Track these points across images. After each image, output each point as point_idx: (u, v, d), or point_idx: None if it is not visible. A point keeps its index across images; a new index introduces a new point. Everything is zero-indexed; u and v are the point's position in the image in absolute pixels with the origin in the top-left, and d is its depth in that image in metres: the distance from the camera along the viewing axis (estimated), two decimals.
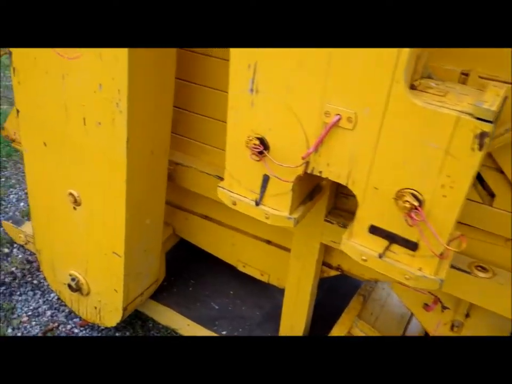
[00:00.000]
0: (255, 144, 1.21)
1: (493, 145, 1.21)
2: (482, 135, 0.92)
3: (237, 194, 1.36)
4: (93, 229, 1.83)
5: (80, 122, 1.59)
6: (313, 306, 2.07)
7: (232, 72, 1.20)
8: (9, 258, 2.67)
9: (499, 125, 1.09)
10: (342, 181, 1.15)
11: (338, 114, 1.07)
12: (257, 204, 1.31)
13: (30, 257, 2.70)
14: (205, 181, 1.92)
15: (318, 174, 1.18)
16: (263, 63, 1.14)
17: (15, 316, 2.28)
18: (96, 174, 1.67)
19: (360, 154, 1.09)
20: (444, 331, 1.66)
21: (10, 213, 3.06)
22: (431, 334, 1.71)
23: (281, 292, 2.12)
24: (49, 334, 2.19)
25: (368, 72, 0.99)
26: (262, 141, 1.22)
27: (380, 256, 1.12)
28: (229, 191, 1.37)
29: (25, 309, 2.34)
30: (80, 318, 2.21)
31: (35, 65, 1.58)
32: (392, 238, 1.11)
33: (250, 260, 2.20)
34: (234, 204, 1.36)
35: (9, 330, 2.19)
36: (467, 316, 1.61)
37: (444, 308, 1.63)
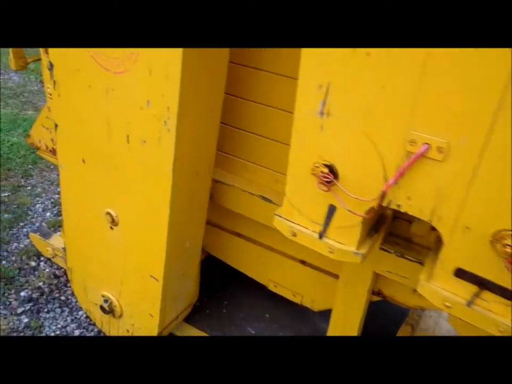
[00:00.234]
0: (323, 172, 1.10)
1: None
2: None
3: (296, 224, 1.24)
4: (130, 250, 1.73)
5: (123, 139, 1.49)
6: (361, 334, 1.94)
7: (300, 92, 1.09)
8: (36, 272, 2.59)
9: None
10: (425, 217, 1.03)
11: (427, 143, 0.95)
12: (320, 236, 1.20)
13: (57, 272, 2.62)
14: (248, 200, 1.81)
15: (395, 208, 1.06)
16: (337, 84, 1.03)
17: (43, 335, 2.20)
18: (137, 194, 1.57)
19: (450, 189, 0.96)
20: None
21: (37, 224, 2.99)
22: None
23: (318, 315, 2.00)
24: None
25: (469, 95, 0.87)
26: (331, 169, 1.10)
27: (468, 303, 1.00)
28: (288, 220, 1.26)
29: (53, 327, 2.25)
30: None
31: (77, 79, 1.49)
32: (483, 284, 0.98)
33: (282, 279, 2.09)
34: (294, 235, 1.24)
35: None
36: None
37: None
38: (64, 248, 2.52)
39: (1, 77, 5.26)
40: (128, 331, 1.95)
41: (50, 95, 2.18)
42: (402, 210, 1.05)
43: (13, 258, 2.66)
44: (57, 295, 2.45)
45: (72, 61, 1.47)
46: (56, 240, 2.60)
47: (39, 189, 3.36)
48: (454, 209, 0.97)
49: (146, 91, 1.35)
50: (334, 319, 1.88)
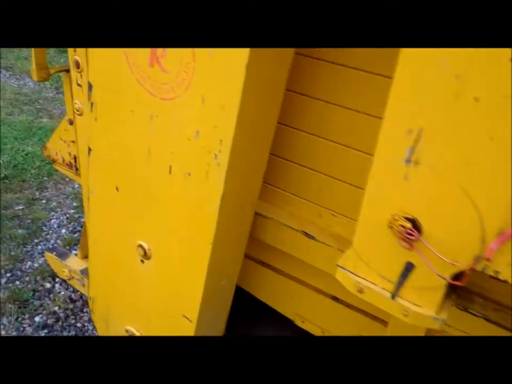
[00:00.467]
0: (404, 227, 0.96)
1: None
2: None
3: (363, 279, 1.11)
4: (161, 286, 1.59)
5: (165, 170, 1.36)
6: None
7: (385, 135, 0.96)
8: (51, 295, 2.46)
9: None
10: None
11: None
12: (393, 296, 1.06)
13: (73, 295, 2.49)
14: (288, 235, 1.67)
15: (492, 274, 0.92)
16: (432, 130, 0.89)
17: None
18: (175, 227, 1.44)
19: None
20: None
21: (52, 241, 2.87)
22: None
23: None
24: None
25: None
26: (414, 224, 0.96)
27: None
28: (354, 274, 1.12)
29: None
30: None
31: (119, 102, 1.37)
32: None
33: (311, 315, 1.94)
34: (361, 291, 1.10)
35: None
36: None
37: None
38: (82, 271, 2.39)
39: (16, 83, 5.18)
40: None
41: (77, 111, 2.07)
42: (501, 277, 0.91)
43: (27, 278, 2.53)
44: (73, 321, 2.32)
45: (115, 83, 1.35)
46: (73, 262, 2.47)
47: (54, 203, 3.24)
48: None
49: (196, 121, 1.23)
50: None
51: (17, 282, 2.49)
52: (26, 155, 3.68)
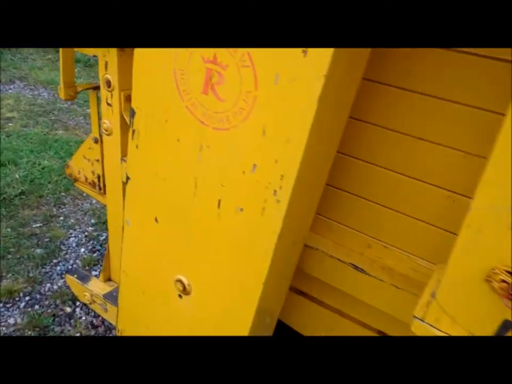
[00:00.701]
0: (507, 283, 0.85)
1: None
2: None
3: (446, 334, 0.99)
4: (201, 324, 1.48)
5: (213, 203, 1.26)
6: None
7: (488, 179, 0.85)
8: (72, 321, 2.35)
9: None
10: None
11: None
12: None
13: (95, 321, 2.38)
14: (334, 267, 1.56)
15: None
16: None
17: None
18: (222, 264, 1.33)
19: None
20: None
21: (71, 261, 2.76)
22: None
23: None
24: None
25: None
26: None
27: None
28: (435, 327, 1.00)
29: None
30: None
31: (164, 130, 1.26)
32: None
33: None
34: None
35: None
36: None
37: None
38: (104, 296, 2.28)
39: (30, 93, 5.11)
40: None
41: (106, 130, 1.97)
42: None
43: (47, 302, 2.42)
44: None
45: (161, 110, 1.24)
46: (95, 285, 2.36)
47: (72, 220, 3.14)
48: None
49: (254, 154, 1.12)
50: None
51: (37, 307, 2.38)
52: (42, 169, 3.59)
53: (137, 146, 1.36)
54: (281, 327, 1.86)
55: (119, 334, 1.86)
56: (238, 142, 1.14)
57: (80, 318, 2.37)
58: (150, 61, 1.21)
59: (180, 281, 1.46)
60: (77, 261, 2.77)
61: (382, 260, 1.56)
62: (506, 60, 1.11)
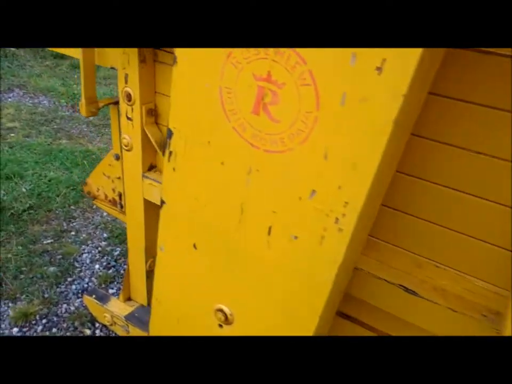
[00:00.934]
0: None
1: None
2: None
3: None
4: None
5: (262, 230, 1.16)
6: None
7: None
8: None
9: None
10: None
11: None
12: None
13: None
14: (384, 290, 1.46)
15: None
16: None
17: None
18: (270, 294, 1.23)
19: None
20: None
21: (86, 279, 2.66)
22: None
23: None
24: None
25: None
26: None
27: None
28: None
29: None
30: None
31: (207, 152, 1.16)
32: None
33: None
34: None
35: None
36: None
37: None
38: (126, 317, 2.18)
39: (31, 102, 4.99)
40: None
41: (126, 146, 1.88)
42: None
43: (65, 325, 2.32)
44: None
45: (203, 131, 1.14)
46: (115, 306, 2.26)
47: (84, 234, 3.03)
48: None
49: (313, 179, 1.02)
50: None
51: (54, 330, 2.27)
52: (49, 181, 3.48)
53: (174, 169, 1.25)
54: None
55: None
56: (294, 166, 1.04)
57: None
58: (191, 78, 1.11)
59: (221, 310, 1.36)
60: (92, 278, 2.66)
61: (433, 280, 1.46)
62: None
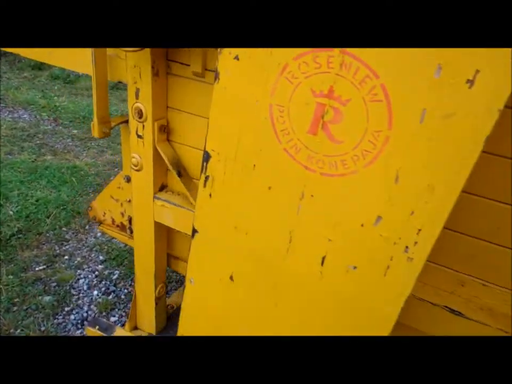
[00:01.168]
0: None
1: None
2: None
3: None
4: None
5: (314, 260, 1.05)
6: None
7: None
8: None
9: None
10: None
11: None
12: None
13: None
14: (427, 312, 1.38)
15: None
16: None
17: None
18: (322, 328, 1.12)
19: None
20: None
21: (85, 307, 2.48)
22: None
23: None
24: None
25: None
26: None
27: None
28: None
29: None
30: None
31: (251, 177, 1.05)
32: None
33: None
34: None
35: None
36: None
37: None
38: None
39: (10, 116, 4.75)
40: None
41: (135, 166, 1.74)
42: None
43: None
44: None
45: (248, 154, 1.03)
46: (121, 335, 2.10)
47: (78, 258, 2.85)
48: None
49: (380, 204, 0.92)
50: None
51: None
52: (37, 201, 3.27)
53: (210, 195, 1.13)
54: None
55: None
56: (356, 190, 0.94)
57: None
58: (236, 95, 0.99)
59: None
60: (92, 306, 2.49)
61: (479, 299, 1.39)
62: None
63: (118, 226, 2.05)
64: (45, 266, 2.70)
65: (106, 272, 2.76)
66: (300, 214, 1.03)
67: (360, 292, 1.02)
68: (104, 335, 2.10)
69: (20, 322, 2.26)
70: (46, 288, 2.54)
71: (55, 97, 5.36)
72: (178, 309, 2.31)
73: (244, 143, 1.03)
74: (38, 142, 4.34)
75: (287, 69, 0.91)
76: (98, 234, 3.08)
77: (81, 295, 2.55)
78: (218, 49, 0.97)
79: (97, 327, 2.15)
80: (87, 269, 2.76)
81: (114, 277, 2.73)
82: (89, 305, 2.48)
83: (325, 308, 1.09)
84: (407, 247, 0.93)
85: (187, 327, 1.38)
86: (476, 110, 0.77)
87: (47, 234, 2.97)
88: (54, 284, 2.58)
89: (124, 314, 2.45)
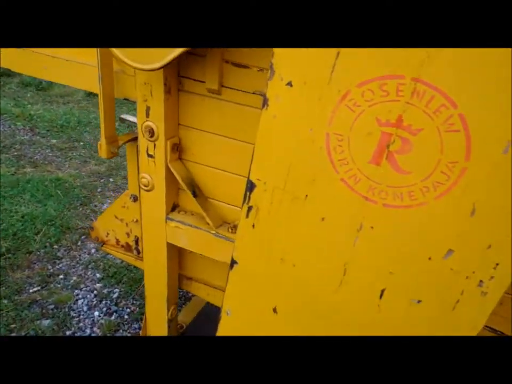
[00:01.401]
0: None
1: None
2: None
3: None
4: None
5: (372, 294, 0.99)
6: None
7: None
8: None
9: None
10: None
11: None
12: None
13: None
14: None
15: None
16: None
17: None
18: None
19: None
20: None
21: (87, 330, 2.36)
22: None
23: None
24: None
25: None
26: None
27: None
28: None
29: None
30: None
31: (302, 208, 0.97)
32: None
33: None
34: None
35: None
36: None
37: None
38: None
39: None
40: None
41: (145, 186, 1.65)
42: None
43: None
44: None
45: (299, 184, 0.95)
46: None
47: (74, 277, 2.72)
48: None
49: (452, 237, 0.87)
50: None
51: None
52: (23, 218, 3.10)
53: (253, 226, 1.05)
54: None
55: None
56: (424, 222, 0.88)
57: None
58: (287, 122, 0.92)
59: None
60: (94, 328, 2.36)
61: None
62: None
63: (123, 246, 1.94)
64: (39, 288, 2.56)
65: (105, 291, 2.63)
66: (357, 246, 0.96)
67: (424, 326, 0.97)
68: None
69: None
70: (44, 311, 2.40)
71: (29, 106, 5.11)
72: (188, 329, 2.23)
73: (294, 173, 0.95)
74: (15, 153, 4.12)
75: (348, 97, 0.84)
76: (92, 250, 2.94)
77: (81, 316, 2.42)
78: (268, 75, 0.89)
79: None
80: (84, 289, 2.62)
81: (115, 295, 2.61)
82: (91, 328, 2.36)
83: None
84: (481, 281, 0.88)
85: None
86: None
87: (38, 253, 2.82)
88: (52, 306, 2.44)
89: (129, 335, 2.35)
